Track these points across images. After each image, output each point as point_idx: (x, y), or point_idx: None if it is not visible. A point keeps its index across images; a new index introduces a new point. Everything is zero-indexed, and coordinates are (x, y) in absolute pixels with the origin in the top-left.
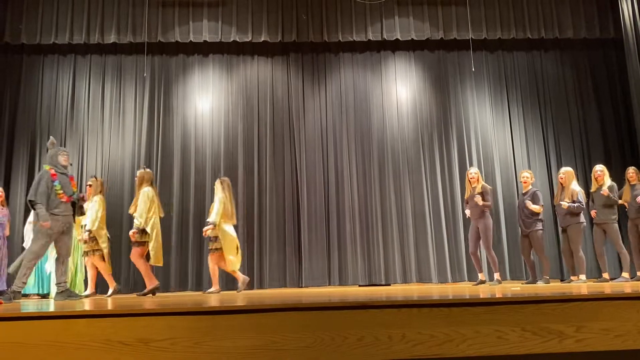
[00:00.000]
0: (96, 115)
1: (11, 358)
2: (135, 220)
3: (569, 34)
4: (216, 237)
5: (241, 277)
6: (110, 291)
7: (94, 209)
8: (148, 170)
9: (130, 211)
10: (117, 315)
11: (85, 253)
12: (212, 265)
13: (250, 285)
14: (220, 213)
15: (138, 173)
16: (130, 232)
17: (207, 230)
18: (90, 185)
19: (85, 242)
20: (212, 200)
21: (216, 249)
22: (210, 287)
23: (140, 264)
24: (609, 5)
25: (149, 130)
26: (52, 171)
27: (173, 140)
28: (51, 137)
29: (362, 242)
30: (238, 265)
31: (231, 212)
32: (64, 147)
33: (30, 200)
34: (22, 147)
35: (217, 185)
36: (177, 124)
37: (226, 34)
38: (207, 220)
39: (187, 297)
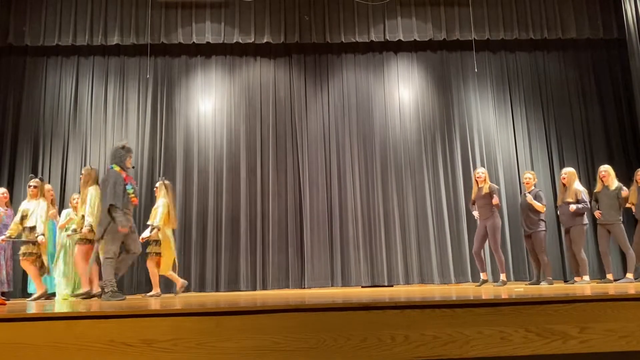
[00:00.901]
0: (99, 117)
1: (14, 359)
2: (87, 219)
3: (572, 34)
4: (157, 241)
5: (180, 281)
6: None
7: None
8: (94, 168)
9: (82, 212)
10: (120, 317)
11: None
12: (152, 269)
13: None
14: (164, 217)
15: (84, 171)
16: (85, 230)
17: (151, 234)
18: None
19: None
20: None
21: (156, 253)
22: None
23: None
24: (612, 5)
25: (151, 132)
26: (124, 174)
27: (176, 142)
28: (124, 139)
29: (364, 243)
30: (170, 270)
31: (173, 217)
32: (68, 149)
33: (110, 205)
34: (25, 148)
35: (161, 188)
36: (179, 126)
37: (229, 36)
38: (151, 223)
39: (190, 298)
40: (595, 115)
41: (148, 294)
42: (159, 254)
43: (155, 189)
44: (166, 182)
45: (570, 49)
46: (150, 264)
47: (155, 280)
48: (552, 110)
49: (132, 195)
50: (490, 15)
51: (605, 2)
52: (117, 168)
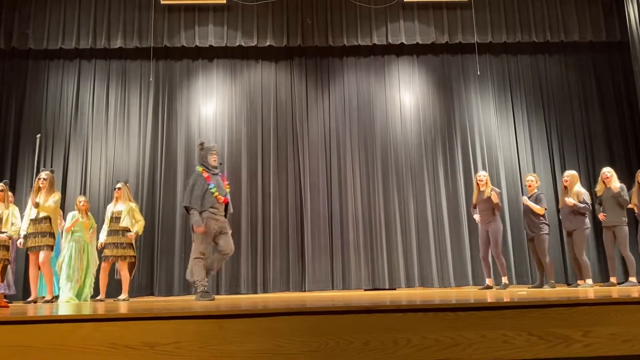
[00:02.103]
0: (101, 120)
1: None
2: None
3: (575, 37)
4: (131, 245)
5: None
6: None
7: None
8: (127, 184)
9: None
10: (123, 319)
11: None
12: (125, 273)
13: (254, 289)
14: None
15: (47, 175)
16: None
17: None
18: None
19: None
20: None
21: (132, 256)
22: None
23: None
24: (615, 8)
25: (153, 135)
26: (206, 174)
27: (177, 145)
28: (200, 138)
29: (365, 246)
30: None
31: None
32: (69, 151)
33: (185, 207)
34: (27, 150)
35: (124, 190)
36: (181, 128)
37: (231, 39)
38: (132, 229)
39: (191, 301)
40: (596, 118)
41: (119, 298)
42: (134, 257)
43: (117, 190)
44: (128, 184)
45: (572, 51)
46: (123, 267)
47: (127, 284)
48: (553, 113)
49: (216, 193)
50: (492, 19)
51: (608, 5)
52: (200, 168)
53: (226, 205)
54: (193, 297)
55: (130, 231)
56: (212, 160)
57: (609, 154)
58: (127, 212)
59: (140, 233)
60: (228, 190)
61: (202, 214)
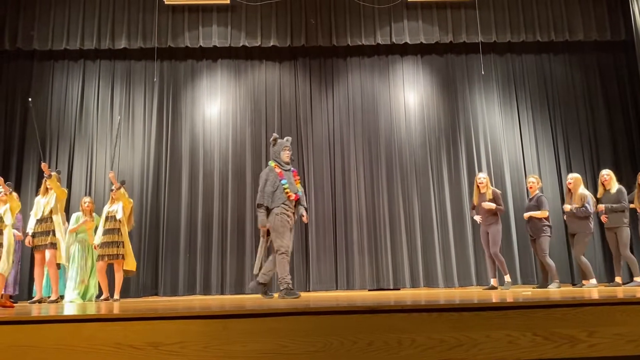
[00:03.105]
0: (105, 120)
1: None
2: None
3: (579, 37)
4: (122, 242)
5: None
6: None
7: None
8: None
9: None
10: (127, 319)
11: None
12: (119, 275)
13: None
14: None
15: (54, 175)
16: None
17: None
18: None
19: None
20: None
21: (123, 255)
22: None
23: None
24: (620, 7)
25: (158, 135)
26: (278, 169)
27: (182, 145)
28: (274, 133)
29: (369, 246)
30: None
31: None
32: (74, 152)
33: (258, 204)
34: (32, 151)
35: (123, 189)
36: (185, 129)
37: (235, 39)
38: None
39: (196, 301)
40: (602, 118)
41: (113, 298)
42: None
43: (114, 191)
44: (124, 185)
45: (577, 51)
46: (118, 268)
47: (119, 285)
48: (558, 113)
49: (288, 190)
50: (497, 18)
51: (613, 4)
52: (273, 164)
53: (297, 202)
54: (199, 296)
55: (118, 229)
56: (285, 156)
57: (614, 153)
58: (121, 208)
59: (129, 212)
60: (299, 186)
61: (274, 210)
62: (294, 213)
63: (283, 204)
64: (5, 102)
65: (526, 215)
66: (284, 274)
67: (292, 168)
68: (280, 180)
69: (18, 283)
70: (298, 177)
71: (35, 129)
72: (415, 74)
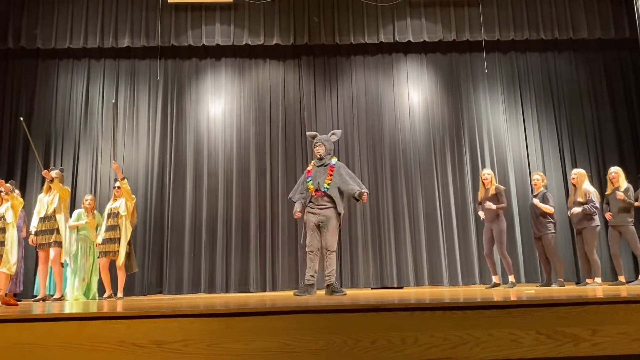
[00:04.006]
0: (110, 119)
1: (26, 359)
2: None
3: (584, 34)
4: (118, 239)
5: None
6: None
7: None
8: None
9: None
10: (130, 317)
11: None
12: (122, 274)
13: (263, 288)
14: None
15: (57, 174)
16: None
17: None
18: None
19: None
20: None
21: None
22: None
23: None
24: (624, 5)
25: (162, 134)
26: (310, 167)
27: (186, 144)
28: (309, 132)
29: (373, 244)
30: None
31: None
32: (79, 150)
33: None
34: (37, 150)
35: (126, 183)
36: (189, 128)
37: (238, 37)
38: (127, 216)
39: (200, 300)
40: (606, 115)
41: (119, 296)
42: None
43: (117, 189)
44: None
45: (581, 49)
46: (120, 266)
47: (123, 283)
48: (563, 111)
49: (310, 187)
50: (500, 16)
51: (617, 2)
52: (312, 162)
53: (327, 196)
54: (203, 295)
55: (118, 226)
56: (315, 152)
57: (619, 151)
58: (124, 204)
59: (132, 210)
60: (328, 182)
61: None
62: (316, 213)
63: (310, 201)
64: (10, 101)
65: (535, 202)
66: (307, 271)
67: (330, 162)
68: (307, 177)
69: (22, 280)
70: (331, 173)
71: (31, 142)
72: (419, 73)
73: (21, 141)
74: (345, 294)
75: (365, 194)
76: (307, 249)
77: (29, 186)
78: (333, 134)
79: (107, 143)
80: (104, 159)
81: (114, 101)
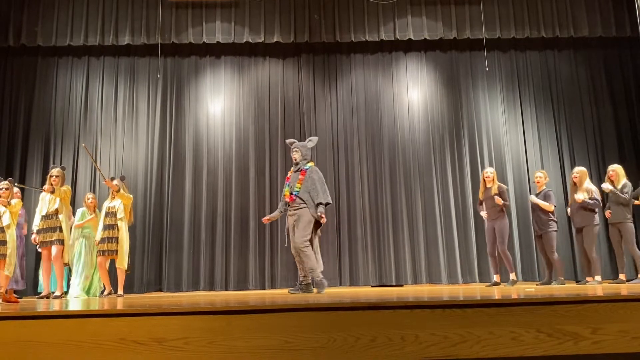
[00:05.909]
0: (109, 117)
1: (26, 356)
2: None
3: (584, 33)
4: (117, 238)
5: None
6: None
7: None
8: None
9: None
10: (131, 315)
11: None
12: (121, 273)
13: (262, 285)
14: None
15: (58, 172)
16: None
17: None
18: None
19: None
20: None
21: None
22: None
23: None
24: (625, 3)
25: (161, 132)
26: (289, 173)
27: (185, 141)
28: (288, 139)
29: (373, 243)
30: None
31: None
32: (78, 148)
33: None
34: (36, 147)
35: (120, 186)
36: (189, 125)
37: (239, 35)
38: (124, 221)
39: (200, 297)
40: (606, 114)
41: (117, 294)
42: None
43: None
44: (124, 180)
45: (581, 47)
46: (118, 263)
47: (122, 280)
48: (563, 109)
49: (286, 192)
50: (501, 14)
51: (619, 0)
52: (291, 169)
53: (299, 198)
54: (203, 292)
55: (116, 225)
56: (293, 156)
57: (618, 150)
58: (122, 205)
59: (129, 209)
60: (299, 186)
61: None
62: (292, 214)
63: (288, 206)
64: (10, 98)
65: (532, 199)
66: (299, 273)
67: (302, 167)
68: (286, 184)
69: (23, 278)
70: (302, 177)
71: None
72: (419, 71)
73: (20, 138)
74: (312, 292)
75: (323, 215)
76: (292, 251)
77: (28, 183)
78: (310, 140)
79: (106, 140)
80: (102, 156)
81: (84, 145)
